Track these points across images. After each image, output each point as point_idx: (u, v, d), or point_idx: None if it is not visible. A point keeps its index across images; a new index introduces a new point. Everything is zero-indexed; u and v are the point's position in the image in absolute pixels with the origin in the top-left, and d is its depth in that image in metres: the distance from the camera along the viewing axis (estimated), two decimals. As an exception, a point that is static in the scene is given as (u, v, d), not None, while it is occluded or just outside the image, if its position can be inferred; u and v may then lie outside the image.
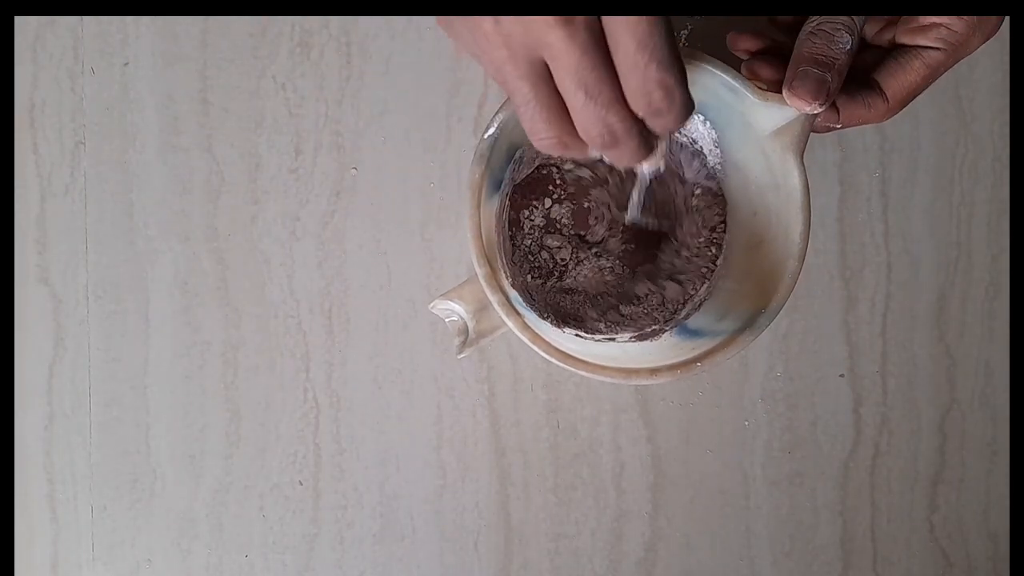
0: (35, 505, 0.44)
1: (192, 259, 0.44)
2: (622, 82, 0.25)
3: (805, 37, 0.31)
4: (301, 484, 0.44)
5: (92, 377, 0.44)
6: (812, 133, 0.33)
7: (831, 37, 0.30)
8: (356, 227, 0.43)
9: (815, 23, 0.31)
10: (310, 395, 0.44)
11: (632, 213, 0.36)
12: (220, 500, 0.44)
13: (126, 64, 0.44)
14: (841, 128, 0.34)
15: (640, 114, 0.26)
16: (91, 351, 0.44)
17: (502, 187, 0.35)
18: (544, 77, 0.26)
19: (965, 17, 0.31)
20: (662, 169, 0.31)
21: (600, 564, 0.44)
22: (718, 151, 0.36)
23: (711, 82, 0.33)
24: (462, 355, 0.37)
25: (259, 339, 0.44)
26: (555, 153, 0.28)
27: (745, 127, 0.34)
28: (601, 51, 0.25)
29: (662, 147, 0.30)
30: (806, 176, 0.33)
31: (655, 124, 0.27)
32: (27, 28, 0.44)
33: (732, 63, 0.33)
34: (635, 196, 0.35)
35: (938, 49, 0.31)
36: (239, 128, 0.43)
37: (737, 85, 0.32)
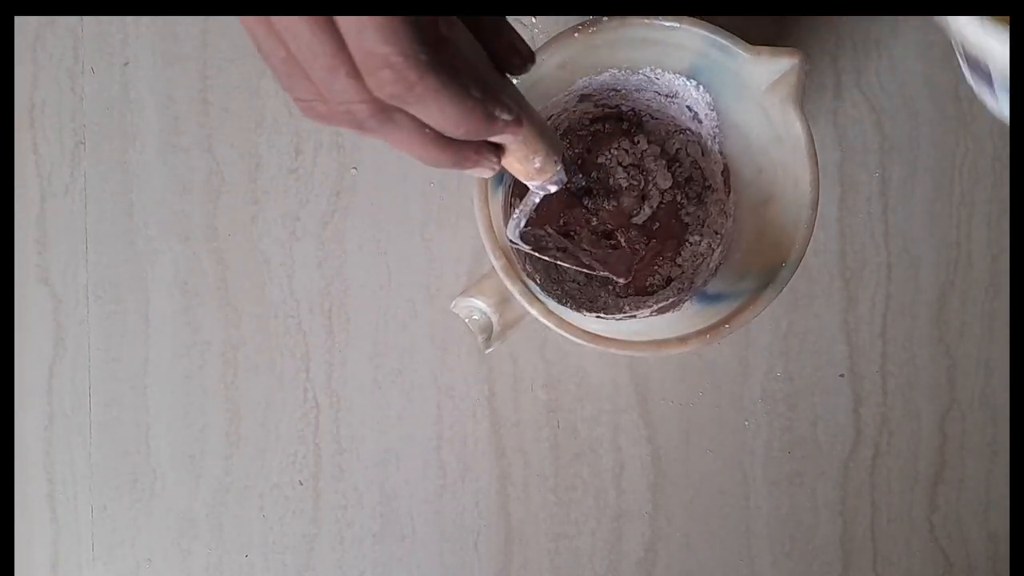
0: (35, 505, 0.44)
1: (192, 259, 0.44)
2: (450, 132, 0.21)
3: None
4: (301, 484, 0.44)
5: (92, 377, 0.44)
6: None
7: None
8: (356, 227, 0.43)
9: None
10: (310, 395, 0.44)
11: (510, 231, 0.33)
12: (220, 500, 0.44)
13: (126, 64, 0.44)
14: None
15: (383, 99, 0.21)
16: (91, 351, 0.44)
17: (504, 179, 0.35)
18: None
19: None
20: (552, 189, 0.28)
21: (600, 564, 0.44)
22: (714, 114, 0.36)
23: (700, 44, 0.33)
24: (489, 350, 0.37)
25: (259, 339, 0.44)
26: (322, 123, 0.23)
27: (740, 86, 0.33)
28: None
29: (545, 163, 0.27)
30: (808, 124, 0.32)
31: (418, 113, 0.22)
32: (27, 28, 0.44)
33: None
34: (516, 213, 0.32)
35: None
36: (239, 128, 0.43)
37: (727, 43, 0.32)
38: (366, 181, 0.43)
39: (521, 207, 0.32)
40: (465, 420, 0.44)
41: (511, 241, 0.33)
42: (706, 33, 0.32)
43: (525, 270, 0.34)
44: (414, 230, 0.43)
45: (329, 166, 0.43)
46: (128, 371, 0.44)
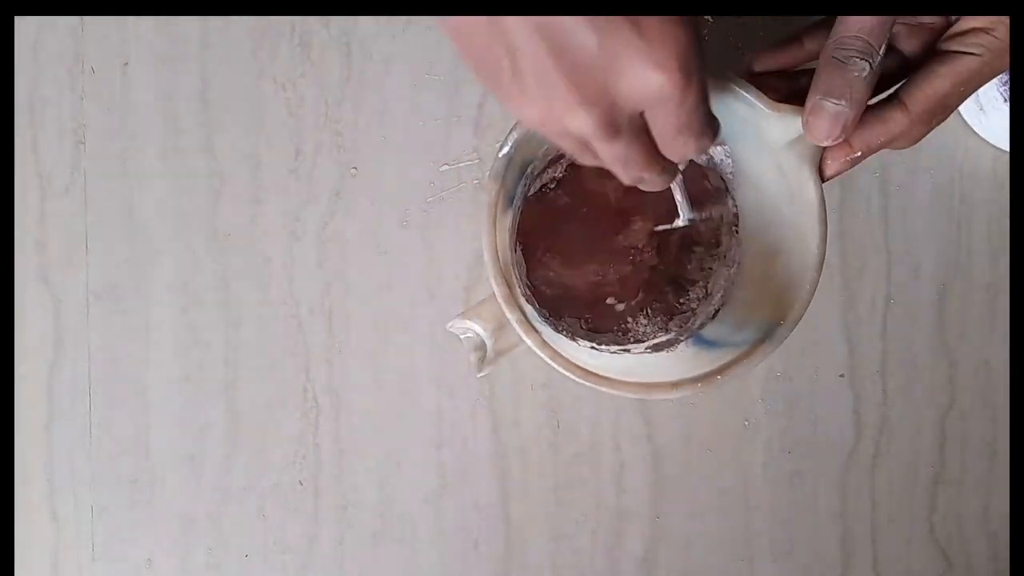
0: (35, 505, 0.44)
1: (192, 259, 0.44)
2: (660, 146, 0.25)
3: (819, 67, 0.30)
4: (301, 484, 0.44)
5: (92, 377, 0.44)
6: (833, 178, 0.33)
7: (844, 65, 0.29)
8: (356, 227, 0.43)
9: (828, 51, 0.29)
10: (310, 395, 0.44)
11: (684, 214, 0.34)
12: (220, 500, 0.44)
13: (126, 64, 0.44)
14: (861, 157, 0.32)
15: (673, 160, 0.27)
16: (91, 351, 0.44)
17: (514, 202, 0.35)
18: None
19: (1009, 21, 0.28)
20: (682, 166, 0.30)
21: (600, 564, 0.44)
22: (730, 162, 0.36)
23: (722, 94, 0.33)
24: (482, 374, 0.37)
25: (259, 339, 0.44)
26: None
27: (758, 139, 0.33)
28: (642, 135, 0.25)
29: None
30: (822, 188, 0.32)
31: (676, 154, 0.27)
32: (27, 28, 0.44)
33: (743, 73, 0.33)
34: (678, 197, 0.33)
35: (973, 55, 0.29)
36: (239, 128, 0.43)
37: (750, 97, 0.32)
38: (366, 181, 0.43)
39: (676, 189, 0.33)
40: (465, 420, 0.44)
41: (690, 220, 0.34)
42: (729, 84, 0.32)
43: (524, 295, 0.34)
44: (414, 230, 0.43)
45: (329, 166, 0.43)
46: (128, 371, 0.44)
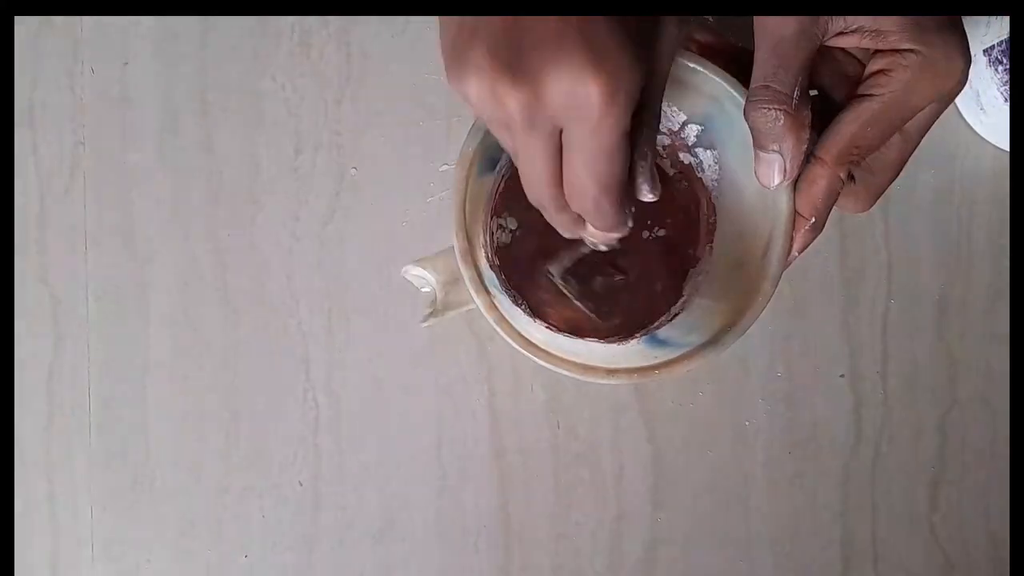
0: (34, 506, 0.44)
1: (191, 259, 0.43)
2: (565, 180, 0.26)
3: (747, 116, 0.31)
4: (301, 485, 0.44)
5: (91, 377, 0.44)
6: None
7: (760, 113, 0.30)
8: (356, 227, 0.43)
9: (747, 99, 0.30)
10: (310, 396, 0.44)
11: (555, 269, 0.34)
12: (220, 501, 0.44)
13: (125, 63, 0.44)
14: (819, 223, 0.32)
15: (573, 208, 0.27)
16: (91, 351, 0.44)
17: (499, 167, 0.34)
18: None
19: (908, 64, 0.29)
20: (604, 248, 0.30)
21: (600, 565, 0.44)
22: (717, 167, 0.36)
23: (717, 93, 0.33)
24: (426, 324, 0.37)
25: (259, 340, 0.43)
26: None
27: (745, 146, 0.33)
28: (553, 149, 0.26)
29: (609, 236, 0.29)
30: (793, 203, 0.32)
31: (589, 223, 0.28)
32: (26, 28, 0.43)
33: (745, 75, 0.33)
34: (564, 257, 0.34)
35: (873, 96, 0.30)
36: (239, 128, 0.43)
37: (739, 98, 0.32)
38: (366, 180, 0.43)
39: (569, 251, 0.34)
40: (465, 420, 0.44)
41: (550, 274, 0.34)
42: (724, 84, 0.32)
43: (489, 262, 0.34)
44: (415, 230, 0.43)
45: (329, 165, 0.43)
46: (128, 371, 0.44)
